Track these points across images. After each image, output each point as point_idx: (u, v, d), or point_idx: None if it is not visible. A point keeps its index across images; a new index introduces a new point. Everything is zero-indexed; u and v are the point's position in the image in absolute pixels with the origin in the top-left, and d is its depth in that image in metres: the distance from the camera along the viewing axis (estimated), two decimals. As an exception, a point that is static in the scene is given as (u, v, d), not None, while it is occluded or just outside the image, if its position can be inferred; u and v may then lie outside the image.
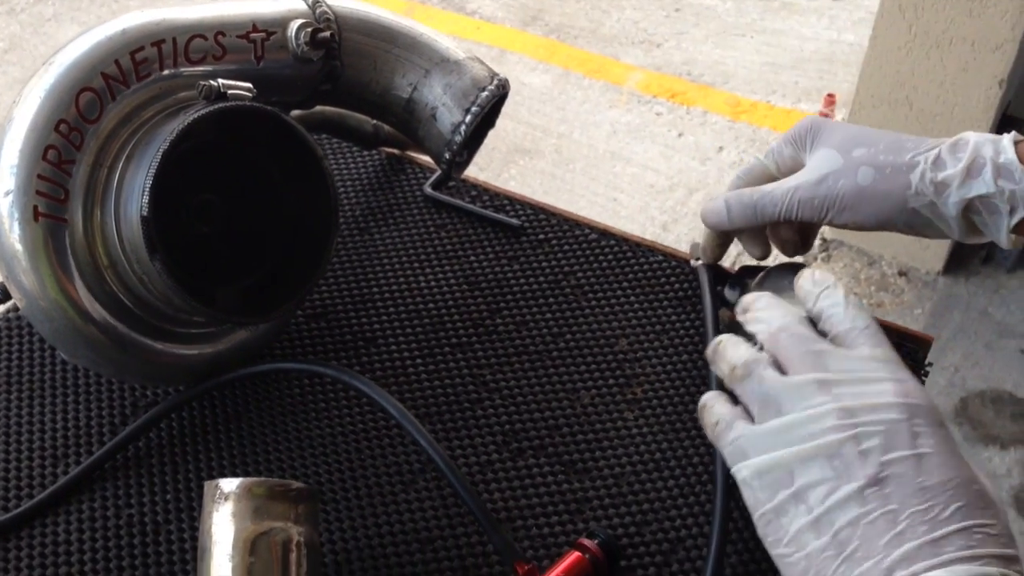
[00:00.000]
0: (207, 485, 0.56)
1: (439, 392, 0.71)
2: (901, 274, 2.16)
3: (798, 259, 0.70)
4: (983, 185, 0.59)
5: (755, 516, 0.48)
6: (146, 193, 0.59)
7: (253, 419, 0.70)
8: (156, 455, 0.68)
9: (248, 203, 0.69)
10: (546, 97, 2.67)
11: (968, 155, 0.60)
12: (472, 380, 0.72)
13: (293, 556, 0.54)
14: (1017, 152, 0.59)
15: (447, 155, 0.72)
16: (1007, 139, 0.60)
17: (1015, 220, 0.59)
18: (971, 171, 0.59)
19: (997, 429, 1.89)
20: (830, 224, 0.64)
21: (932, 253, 2.13)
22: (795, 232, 0.68)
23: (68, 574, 0.62)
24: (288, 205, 0.68)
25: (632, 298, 0.77)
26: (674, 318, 0.75)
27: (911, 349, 0.71)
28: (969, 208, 0.60)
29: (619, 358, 0.73)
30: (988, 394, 1.94)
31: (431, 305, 0.77)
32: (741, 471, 0.49)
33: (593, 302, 0.77)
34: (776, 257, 0.69)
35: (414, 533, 0.64)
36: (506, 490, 0.66)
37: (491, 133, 0.76)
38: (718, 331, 0.69)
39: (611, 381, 0.71)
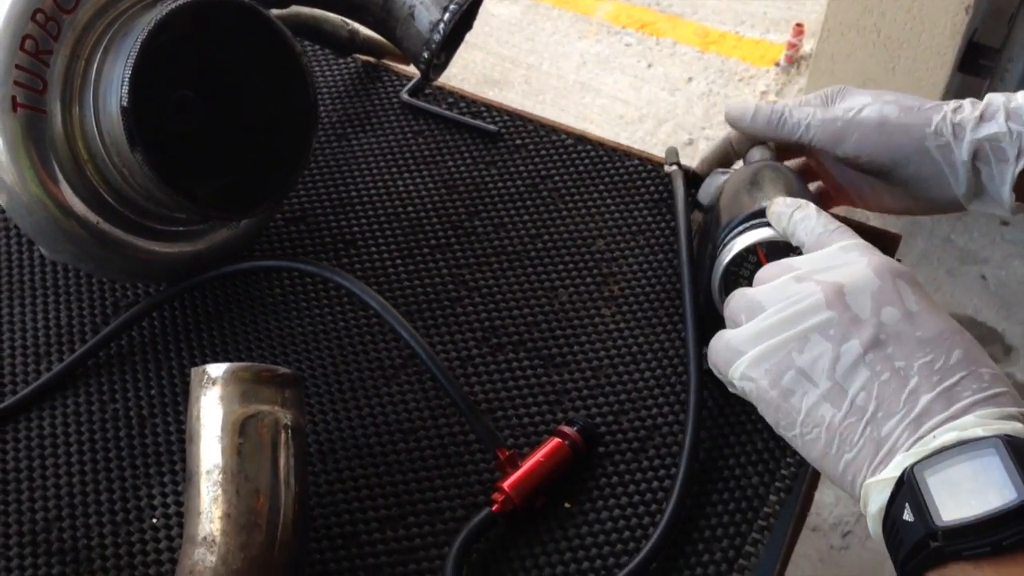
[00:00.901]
0: (194, 372, 0.57)
1: (419, 292, 0.72)
2: (866, 203, 2.19)
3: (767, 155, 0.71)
4: (995, 125, 0.61)
5: (761, 406, 0.49)
6: (125, 83, 0.59)
7: (235, 317, 0.71)
8: (139, 352, 0.69)
9: (227, 101, 0.68)
10: (515, 28, 2.65)
11: (984, 103, 0.62)
12: (451, 280, 0.73)
13: (281, 438, 0.56)
14: None
15: (425, 55, 0.72)
16: (1022, 92, 0.62)
17: (1020, 167, 0.61)
18: (984, 114, 0.62)
19: (956, 352, 1.94)
20: (844, 158, 0.66)
21: (897, 182, 2.16)
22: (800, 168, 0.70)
23: (55, 467, 0.63)
24: (267, 103, 0.68)
25: (608, 201, 0.78)
26: (649, 219, 0.76)
27: (879, 248, 0.73)
28: (978, 156, 0.62)
29: (596, 258, 0.74)
30: (949, 319, 1.99)
31: (409, 208, 0.78)
32: (738, 368, 0.49)
33: (570, 204, 0.78)
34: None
35: (397, 424, 0.65)
36: (486, 383, 0.67)
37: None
38: (690, 233, 0.70)
39: (588, 279, 0.73)
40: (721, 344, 0.51)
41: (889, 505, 0.43)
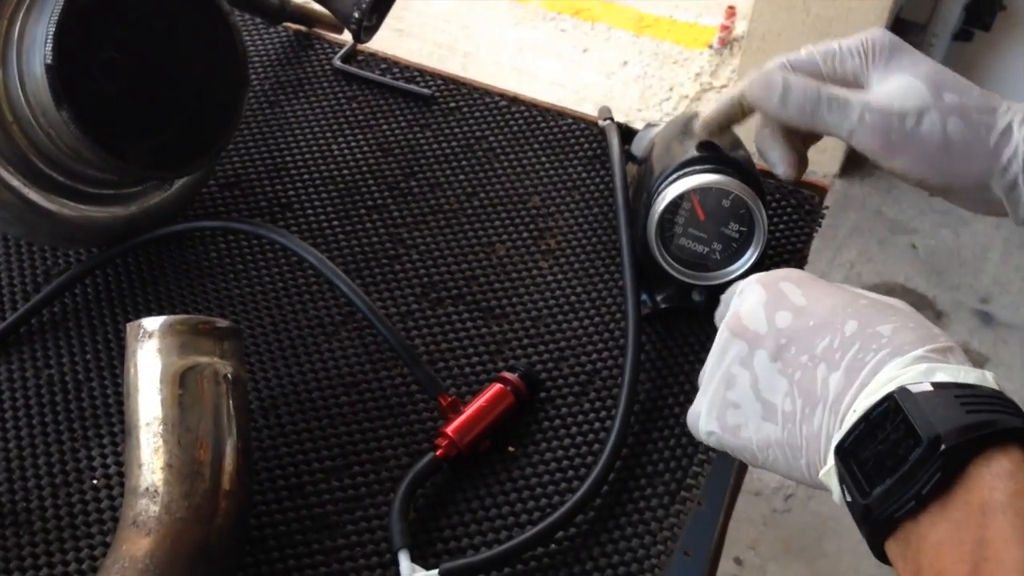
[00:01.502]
0: (129, 327, 0.57)
1: (357, 251, 0.72)
2: (800, 179, 2.23)
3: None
4: None
5: (730, 452, 0.50)
6: (49, 40, 0.58)
7: (171, 280, 0.70)
8: (73, 317, 0.68)
9: (154, 62, 0.68)
10: (451, 15, 2.65)
11: None
12: (389, 238, 0.73)
13: (222, 388, 0.55)
14: None
15: (356, 15, 0.72)
16: None
17: None
18: None
19: (891, 321, 1.99)
20: (885, 164, 0.56)
21: (829, 156, 2.20)
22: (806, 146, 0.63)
23: (-10, 433, 0.62)
24: (196, 64, 0.68)
25: (544, 159, 0.79)
26: (584, 176, 0.77)
27: (808, 196, 0.75)
28: None
29: (532, 213, 0.75)
30: (881, 287, 2.04)
31: (345, 171, 0.78)
32: (701, 427, 0.50)
33: (505, 164, 0.78)
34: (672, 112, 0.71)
35: (339, 378, 0.65)
36: (427, 336, 0.67)
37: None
38: (626, 185, 0.71)
39: (525, 234, 0.74)
40: (689, 414, 0.52)
41: (842, 492, 0.43)
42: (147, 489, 0.53)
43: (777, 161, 0.61)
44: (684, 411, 0.63)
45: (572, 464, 0.61)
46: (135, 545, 0.51)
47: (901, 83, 0.55)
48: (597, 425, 0.63)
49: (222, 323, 0.57)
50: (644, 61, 2.53)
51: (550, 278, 0.71)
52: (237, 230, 0.69)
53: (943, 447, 0.39)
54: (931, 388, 0.41)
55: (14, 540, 0.57)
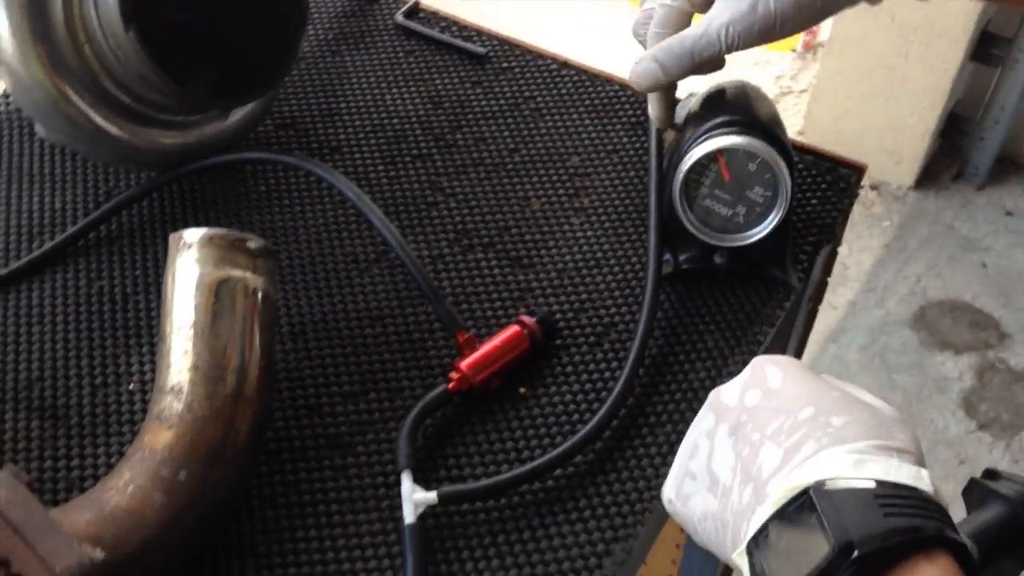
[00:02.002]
0: (171, 237, 0.60)
1: (397, 196, 0.75)
2: (873, 188, 2.20)
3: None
4: None
5: (681, 524, 0.49)
6: (122, -34, 0.62)
7: (220, 208, 0.74)
8: (127, 236, 0.72)
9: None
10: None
11: None
12: (430, 186, 0.76)
13: (251, 302, 0.59)
14: None
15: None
16: None
17: None
18: None
19: (953, 337, 1.95)
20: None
21: (905, 168, 2.17)
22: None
23: (40, 334, 0.66)
24: (258, 1, 0.71)
25: (587, 122, 0.80)
26: (625, 140, 0.79)
27: (845, 174, 0.76)
28: None
29: (570, 172, 0.77)
30: (947, 304, 2.00)
31: (395, 120, 0.81)
32: (664, 495, 0.50)
33: (549, 124, 0.80)
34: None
35: (366, 312, 0.68)
36: (454, 279, 0.70)
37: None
38: (661, 149, 0.72)
39: (560, 191, 0.76)
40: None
41: None
42: (173, 387, 0.56)
43: (655, 116, 0.66)
44: (693, 369, 0.64)
45: (578, 409, 0.63)
46: (157, 437, 0.55)
47: None
48: (607, 375, 0.64)
49: (258, 242, 0.60)
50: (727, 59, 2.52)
51: (579, 234, 0.73)
52: (286, 163, 0.73)
53: (855, 554, 0.37)
54: (853, 487, 0.39)
55: (51, 432, 0.62)
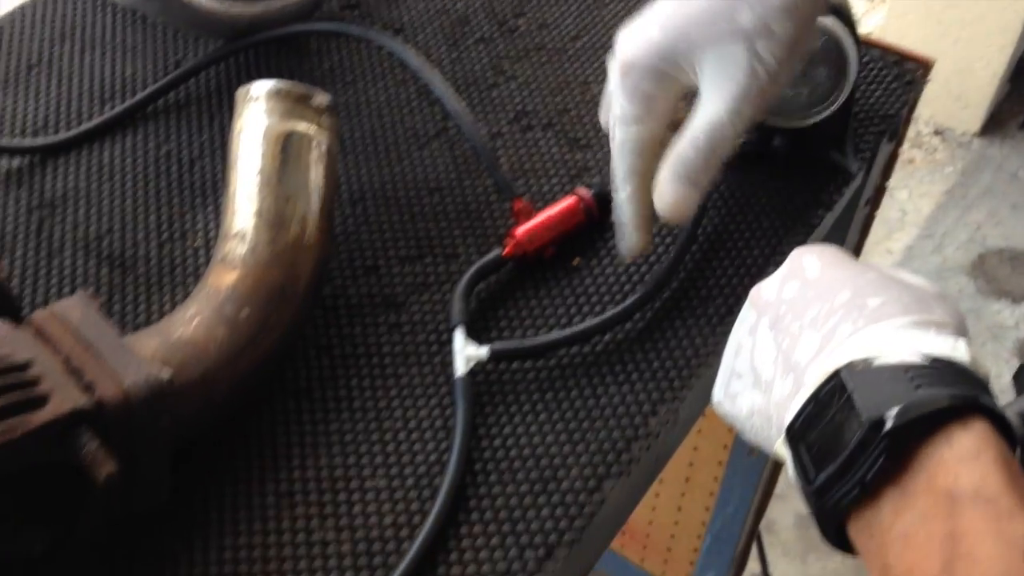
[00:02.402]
0: (239, 91, 0.62)
1: (459, 77, 0.76)
2: (937, 133, 2.16)
3: None
4: None
5: (731, 425, 0.49)
6: None
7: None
8: (194, 104, 0.74)
9: None
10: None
11: None
12: (492, 69, 0.76)
13: (315, 155, 0.60)
14: None
15: None
16: None
17: None
18: None
19: (1011, 285, 1.92)
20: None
21: (971, 114, 2.12)
22: None
23: (110, 190, 0.69)
24: None
25: (651, 13, 0.80)
26: (689, 32, 0.79)
27: (912, 67, 0.74)
28: None
29: (632, 60, 0.77)
30: (1006, 252, 1.97)
31: (459, 4, 0.81)
32: (713, 404, 0.50)
33: (612, 11, 0.80)
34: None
35: (424, 183, 0.69)
36: (512, 155, 0.71)
37: None
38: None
39: (622, 78, 0.76)
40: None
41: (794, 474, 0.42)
42: (237, 233, 0.58)
43: (633, 245, 0.60)
44: (747, 247, 0.65)
45: (630, 280, 0.63)
46: (221, 278, 0.57)
47: (713, 63, 0.52)
48: (660, 251, 0.65)
49: (324, 98, 0.61)
50: None
51: (639, 119, 0.73)
52: (355, 35, 0.73)
53: (886, 428, 0.37)
54: (884, 364, 0.39)
55: (119, 280, 0.64)
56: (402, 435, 0.56)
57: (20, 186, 0.68)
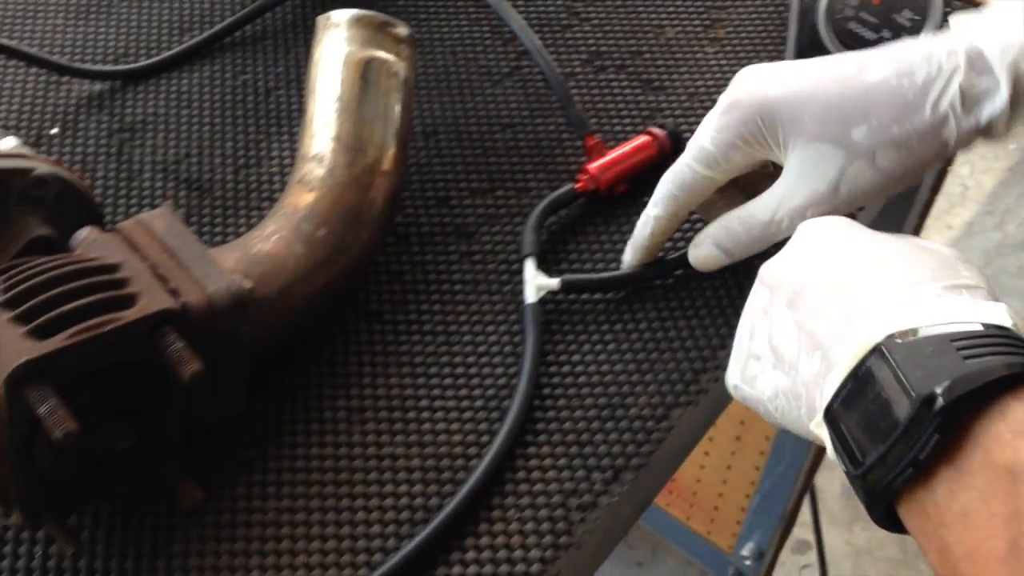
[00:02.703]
0: (319, 19, 0.62)
1: (532, 18, 0.76)
2: (1002, 110, 2.11)
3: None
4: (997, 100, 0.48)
5: (750, 407, 0.47)
6: None
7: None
8: (270, 37, 0.75)
9: None
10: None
11: (1007, 78, 0.47)
12: (565, 10, 0.76)
13: (393, 83, 0.61)
14: None
15: None
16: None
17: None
18: (1016, 98, 0.47)
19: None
20: None
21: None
22: None
23: (188, 117, 0.70)
24: None
25: (727, -41, 0.80)
26: (765, -22, 0.78)
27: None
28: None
29: (707, 4, 0.76)
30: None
31: (534, -53, 0.81)
32: (728, 382, 0.49)
33: (689, -41, 0.80)
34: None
35: (497, 119, 0.70)
36: (585, 95, 0.71)
37: None
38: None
39: (696, 21, 0.75)
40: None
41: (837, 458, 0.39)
42: (315, 156, 0.59)
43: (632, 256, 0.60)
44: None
45: (701, 219, 0.63)
46: (299, 198, 0.58)
47: (804, 156, 0.50)
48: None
49: (403, 28, 0.62)
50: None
51: (712, 62, 0.72)
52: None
53: (939, 404, 0.34)
54: (927, 334, 0.37)
55: (197, 202, 0.65)
56: (471, 359, 0.57)
57: (102, 110, 0.70)
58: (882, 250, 0.42)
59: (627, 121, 0.69)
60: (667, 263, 0.60)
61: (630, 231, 0.63)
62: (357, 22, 0.61)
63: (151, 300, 0.47)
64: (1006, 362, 0.35)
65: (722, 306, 0.59)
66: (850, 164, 0.49)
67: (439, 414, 0.55)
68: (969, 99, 0.47)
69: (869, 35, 0.64)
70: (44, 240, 0.52)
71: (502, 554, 0.49)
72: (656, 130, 0.65)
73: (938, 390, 0.34)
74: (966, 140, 0.49)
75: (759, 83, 0.51)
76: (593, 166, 0.63)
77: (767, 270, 0.46)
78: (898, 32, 0.64)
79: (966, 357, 0.35)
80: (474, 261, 0.62)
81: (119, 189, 0.66)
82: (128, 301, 0.46)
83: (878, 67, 0.49)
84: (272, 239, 0.55)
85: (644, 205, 0.64)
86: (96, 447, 0.47)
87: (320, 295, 0.56)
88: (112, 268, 0.48)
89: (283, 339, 0.56)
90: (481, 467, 0.51)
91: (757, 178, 0.55)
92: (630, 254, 0.59)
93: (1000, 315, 0.37)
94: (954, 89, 0.47)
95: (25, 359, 0.42)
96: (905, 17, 0.63)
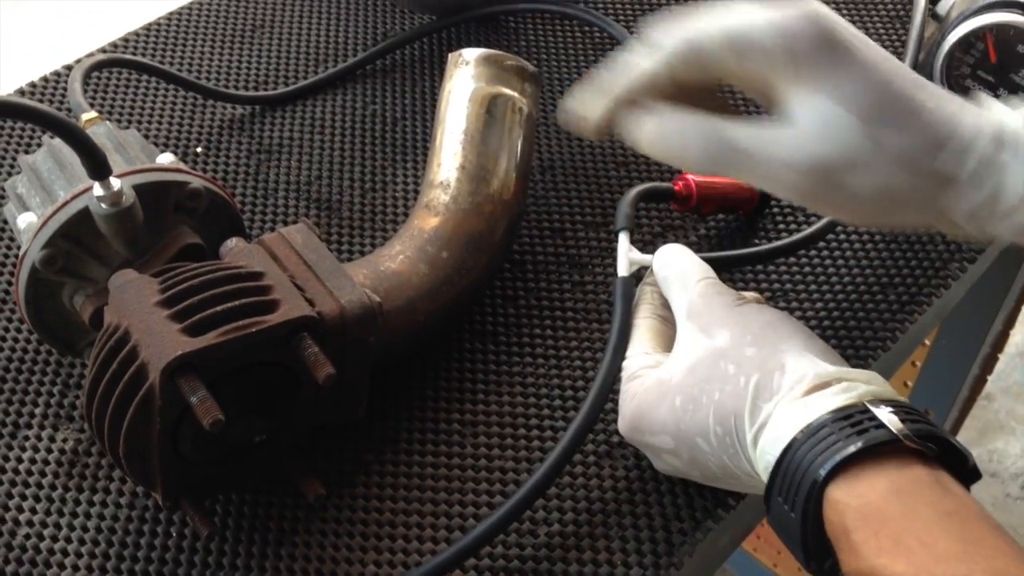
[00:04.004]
0: (451, 56, 0.66)
1: None
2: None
3: None
4: None
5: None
6: None
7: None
8: (399, 71, 0.79)
9: None
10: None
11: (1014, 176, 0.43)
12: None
13: (517, 119, 0.64)
14: None
15: None
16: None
17: None
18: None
19: None
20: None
21: None
22: None
23: (320, 142, 0.74)
24: None
25: (842, 12, 0.81)
26: (881, 32, 0.80)
27: None
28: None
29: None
30: None
31: (653, -5, 0.84)
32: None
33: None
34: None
35: (612, 157, 0.72)
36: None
37: None
38: (921, 41, 0.72)
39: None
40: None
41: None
42: (442, 182, 0.62)
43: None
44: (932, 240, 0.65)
45: (788, 227, 0.65)
46: (425, 221, 0.61)
47: (825, 115, 0.43)
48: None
49: (529, 67, 0.65)
50: None
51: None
52: (562, 13, 0.78)
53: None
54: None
55: (326, 220, 0.69)
56: (580, 383, 0.59)
57: (243, 132, 0.75)
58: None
59: (738, 164, 0.71)
60: (789, 244, 0.62)
61: (700, 248, 0.65)
62: (485, 60, 0.64)
63: (291, 307, 0.50)
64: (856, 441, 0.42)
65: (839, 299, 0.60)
66: (863, 155, 0.43)
67: (547, 433, 0.57)
68: (986, 172, 0.43)
69: (986, 93, 0.65)
70: (195, 248, 0.56)
71: (604, 570, 0.51)
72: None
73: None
74: (970, 211, 0.44)
75: (839, 19, 0.45)
76: (692, 176, 0.65)
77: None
78: (1015, 90, 0.65)
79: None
80: (586, 291, 0.64)
81: (256, 205, 0.70)
82: (271, 307, 0.50)
83: (930, 92, 0.44)
84: (398, 258, 0.59)
85: (729, 228, 0.66)
86: (233, 439, 0.50)
87: (440, 312, 0.59)
88: (257, 276, 0.52)
89: (404, 351, 0.59)
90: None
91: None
92: (592, 97, 0.49)
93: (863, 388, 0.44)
94: (977, 154, 0.43)
95: (180, 352, 0.46)
96: (1022, 76, 0.64)
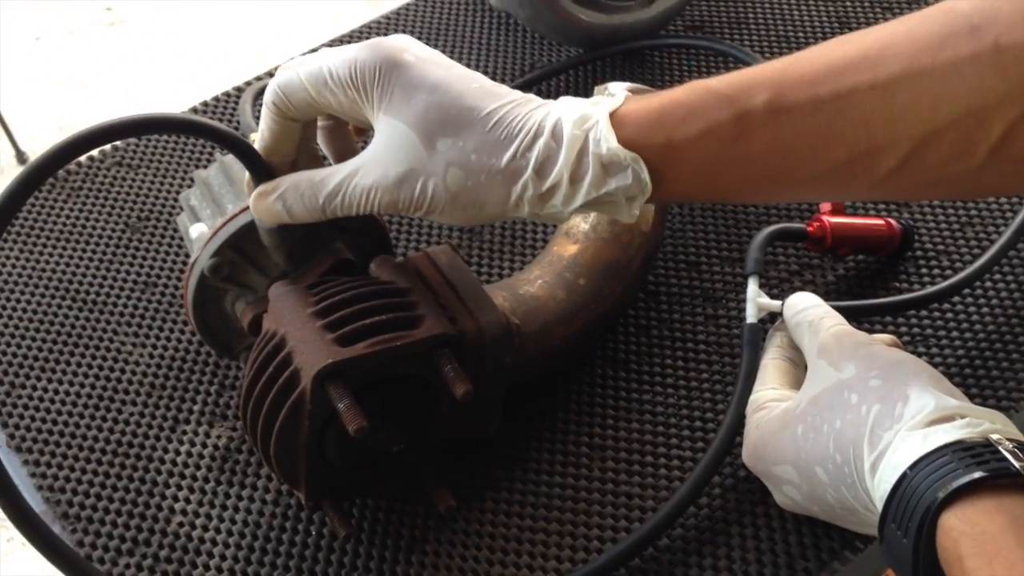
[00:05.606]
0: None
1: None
2: None
3: None
4: (592, 189, 0.47)
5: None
6: None
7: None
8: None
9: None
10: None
11: (565, 155, 0.47)
12: None
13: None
14: (621, 119, 0.48)
15: None
16: (603, 118, 0.48)
17: (635, 207, 0.49)
18: (575, 175, 0.47)
19: None
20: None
21: None
22: None
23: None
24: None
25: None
26: None
27: None
28: (588, 204, 0.48)
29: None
30: None
31: (799, 35, 0.84)
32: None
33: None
34: None
35: (751, 193, 0.73)
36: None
37: None
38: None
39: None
40: None
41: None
42: (568, 232, 0.64)
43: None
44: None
45: (931, 273, 0.64)
46: (564, 248, 0.63)
47: (392, 132, 0.48)
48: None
49: (672, 102, 0.67)
50: None
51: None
52: (711, 48, 0.79)
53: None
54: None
55: (467, 243, 0.72)
56: (709, 415, 0.60)
57: (393, 156, 0.79)
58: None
59: (870, 208, 0.70)
60: (900, 304, 0.61)
61: (837, 289, 0.64)
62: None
63: (434, 323, 0.53)
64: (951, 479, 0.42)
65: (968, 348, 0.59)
66: (424, 165, 0.48)
67: (675, 463, 0.58)
68: (546, 165, 0.47)
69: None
70: (347, 263, 0.60)
71: (725, 603, 0.51)
72: (893, 221, 0.66)
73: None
74: (536, 205, 0.48)
75: (410, 46, 0.49)
76: (829, 216, 0.65)
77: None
78: None
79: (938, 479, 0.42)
80: (719, 324, 0.65)
81: (401, 226, 0.73)
82: (416, 322, 0.53)
83: (500, 100, 0.48)
84: (537, 283, 0.61)
85: (869, 269, 0.65)
86: (374, 446, 0.53)
87: (575, 337, 0.61)
88: (404, 291, 0.55)
89: (538, 373, 0.61)
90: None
91: (349, 153, 0.55)
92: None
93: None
94: (537, 150, 0.47)
95: (331, 360, 0.49)
96: None
